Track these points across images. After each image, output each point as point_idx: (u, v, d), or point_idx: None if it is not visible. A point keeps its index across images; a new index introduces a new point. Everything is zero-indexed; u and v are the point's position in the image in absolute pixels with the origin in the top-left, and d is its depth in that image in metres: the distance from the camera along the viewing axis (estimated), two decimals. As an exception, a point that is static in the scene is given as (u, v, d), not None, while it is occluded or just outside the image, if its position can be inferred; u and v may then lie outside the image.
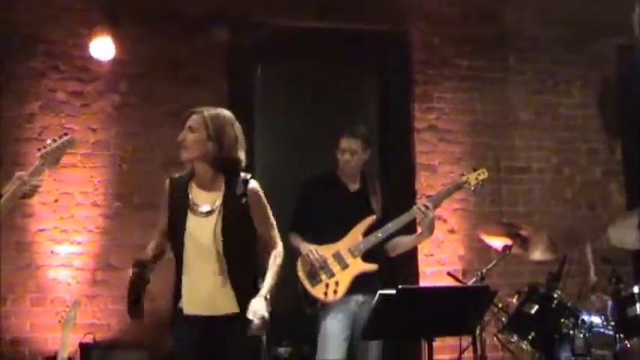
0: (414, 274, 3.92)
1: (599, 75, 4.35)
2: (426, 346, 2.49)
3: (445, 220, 4.01)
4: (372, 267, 2.94)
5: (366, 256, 2.95)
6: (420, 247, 3.77)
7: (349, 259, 2.94)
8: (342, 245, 2.96)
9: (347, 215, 3.01)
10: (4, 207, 2.45)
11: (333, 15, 4.06)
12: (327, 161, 3.12)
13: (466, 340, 3.14)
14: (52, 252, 3.64)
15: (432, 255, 3.99)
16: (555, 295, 3.05)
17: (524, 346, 3.04)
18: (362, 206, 3.04)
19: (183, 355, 2.32)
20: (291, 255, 3.04)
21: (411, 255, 3.81)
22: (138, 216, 3.68)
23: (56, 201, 3.67)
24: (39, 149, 2.55)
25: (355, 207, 3.04)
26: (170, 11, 3.89)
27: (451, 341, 3.30)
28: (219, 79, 3.90)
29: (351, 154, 3.01)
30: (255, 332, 2.19)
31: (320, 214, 3.04)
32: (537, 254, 3.32)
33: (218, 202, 2.32)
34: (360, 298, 2.93)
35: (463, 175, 3.13)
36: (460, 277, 3.56)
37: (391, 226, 2.95)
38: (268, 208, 2.41)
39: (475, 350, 3.06)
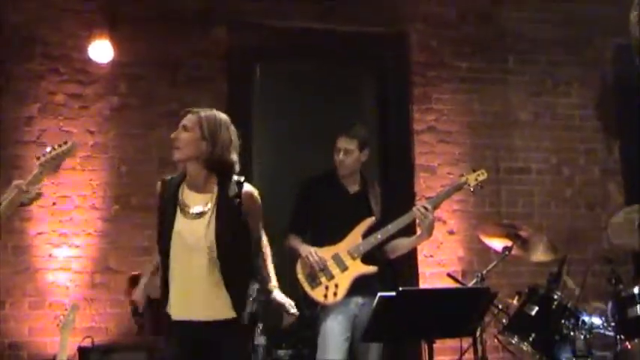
0: (413, 275, 3.92)
1: (597, 76, 4.36)
2: (427, 347, 2.49)
3: (445, 222, 4.01)
4: (371, 269, 2.93)
5: (366, 258, 2.95)
6: (419, 248, 3.77)
7: (348, 261, 2.93)
8: (342, 247, 2.95)
9: (346, 217, 3.00)
10: (3, 214, 2.43)
11: (332, 16, 4.07)
12: (326, 162, 3.11)
13: (466, 342, 3.13)
14: (50, 255, 3.62)
15: (431, 256, 3.99)
16: (555, 296, 3.05)
17: (524, 348, 3.03)
18: (361, 208, 3.04)
19: None
20: (290, 257, 3.03)
21: (411, 256, 3.80)
22: (137, 218, 3.67)
23: (54, 204, 3.66)
24: (38, 157, 2.52)
25: (354, 208, 3.04)
26: (168, 12, 3.89)
27: (451, 343, 3.29)
28: (218, 80, 3.90)
29: (345, 153, 3.01)
30: (291, 321, 2.29)
31: (319, 215, 3.04)
32: (537, 255, 3.31)
33: (210, 204, 2.29)
34: (359, 300, 2.93)
35: (462, 175, 3.13)
36: (460, 279, 3.55)
37: (391, 228, 2.95)
38: (261, 211, 2.40)
39: (475, 352, 3.06)
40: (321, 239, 2.99)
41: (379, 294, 2.40)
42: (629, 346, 2.89)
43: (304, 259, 2.94)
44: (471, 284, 3.22)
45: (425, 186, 4.03)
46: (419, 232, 3.03)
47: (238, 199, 2.31)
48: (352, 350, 2.92)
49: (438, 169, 4.08)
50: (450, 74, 4.19)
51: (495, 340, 3.29)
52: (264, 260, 2.40)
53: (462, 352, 3.20)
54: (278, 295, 2.25)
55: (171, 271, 2.27)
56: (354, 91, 4.26)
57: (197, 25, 3.91)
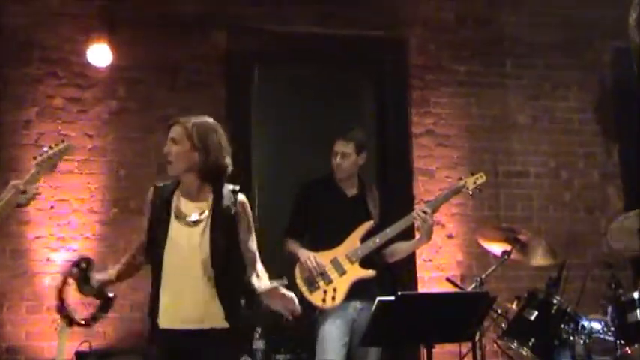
0: (412, 279, 3.91)
1: (595, 79, 4.36)
2: (426, 352, 2.49)
3: (443, 225, 4.00)
4: (370, 273, 2.93)
5: (364, 262, 2.94)
6: (418, 252, 3.76)
7: (347, 265, 2.93)
8: (340, 251, 2.95)
9: (344, 221, 3.00)
10: (0, 215, 2.42)
11: (331, 20, 4.07)
12: (326, 166, 3.11)
13: (466, 346, 3.13)
14: (48, 259, 3.61)
15: (430, 260, 3.98)
16: (555, 301, 3.04)
17: (524, 352, 3.02)
18: (360, 211, 3.03)
19: None
20: (288, 261, 3.03)
21: (410, 260, 3.79)
22: (135, 222, 3.64)
23: (52, 208, 3.65)
24: (34, 157, 2.52)
25: (353, 212, 3.03)
26: (167, 16, 3.89)
27: (450, 347, 3.28)
28: (217, 84, 3.90)
29: (342, 157, 3.01)
30: (292, 309, 2.26)
31: (317, 219, 3.03)
32: (536, 259, 3.30)
33: (206, 213, 2.27)
34: (358, 304, 2.92)
35: (461, 179, 3.12)
36: (459, 283, 3.55)
37: (389, 232, 2.94)
38: (253, 222, 2.38)
39: (475, 356, 3.05)
40: (320, 243, 2.99)
41: (378, 298, 2.39)
42: (629, 351, 2.88)
43: (303, 264, 2.93)
44: (470, 288, 3.22)
45: (423, 190, 4.03)
46: (418, 235, 3.02)
47: (234, 209, 2.30)
48: (351, 355, 2.91)
49: (437, 173, 4.08)
50: (448, 78, 4.19)
51: (494, 345, 3.29)
52: (259, 276, 2.33)
53: (462, 357, 3.19)
54: (285, 291, 2.21)
55: (163, 279, 2.24)
56: (353, 95, 4.26)
57: (196, 30, 3.91)
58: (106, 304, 2.36)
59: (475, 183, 3.08)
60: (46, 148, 2.54)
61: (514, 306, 3.16)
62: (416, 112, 4.13)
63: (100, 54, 3.72)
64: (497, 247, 3.33)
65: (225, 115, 3.84)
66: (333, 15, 4.07)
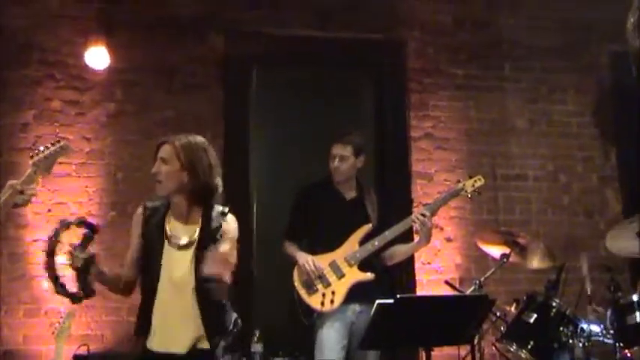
0: (411, 282, 3.90)
1: (593, 82, 4.36)
2: (424, 355, 2.48)
3: (442, 228, 4.00)
4: (368, 276, 2.92)
5: (363, 265, 2.94)
6: (416, 255, 3.76)
7: (345, 269, 2.92)
8: (339, 254, 2.94)
9: (343, 224, 3.00)
10: None
11: (329, 23, 4.07)
12: (324, 170, 3.11)
13: (464, 350, 3.12)
14: (45, 262, 3.60)
15: (429, 263, 3.97)
16: (554, 304, 3.04)
17: (523, 355, 3.01)
18: (358, 214, 3.03)
19: None
20: (287, 264, 3.02)
21: (408, 263, 3.79)
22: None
23: (50, 211, 3.64)
24: (31, 156, 2.51)
25: (351, 215, 3.03)
26: (165, 19, 3.89)
27: (449, 350, 3.27)
28: (215, 86, 3.90)
29: (340, 160, 3.01)
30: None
31: (316, 222, 3.03)
32: (535, 262, 3.30)
33: (196, 235, 2.26)
34: (356, 307, 2.91)
35: (459, 182, 3.12)
36: (458, 286, 3.54)
37: (388, 235, 2.94)
38: (236, 245, 2.33)
39: (474, 359, 3.04)
40: (318, 246, 2.98)
41: (377, 301, 2.38)
42: (629, 354, 2.87)
43: (301, 267, 2.92)
44: (468, 291, 3.21)
45: (422, 193, 4.03)
46: (417, 238, 3.02)
47: (220, 231, 2.27)
48: (349, 358, 2.90)
49: (435, 176, 4.08)
50: (446, 81, 4.19)
51: (493, 348, 3.28)
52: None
53: (460, 360, 3.18)
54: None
55: (156, 304, 2.23)
56: (352, 98, 4.26)
57: (194, 32, 3.91)
58: (84, 285, 2.28)
59: (473, 186, 3.07)
60: (42, 148, 2.51)
61: (513, 309, 3.16)
62: (414, 115, 4.13)
63: (97, 57, 3.71)
64: (495, 250, 3.33)
65: (223, 118, 3.84)
66: (331, 18, 4.08)
